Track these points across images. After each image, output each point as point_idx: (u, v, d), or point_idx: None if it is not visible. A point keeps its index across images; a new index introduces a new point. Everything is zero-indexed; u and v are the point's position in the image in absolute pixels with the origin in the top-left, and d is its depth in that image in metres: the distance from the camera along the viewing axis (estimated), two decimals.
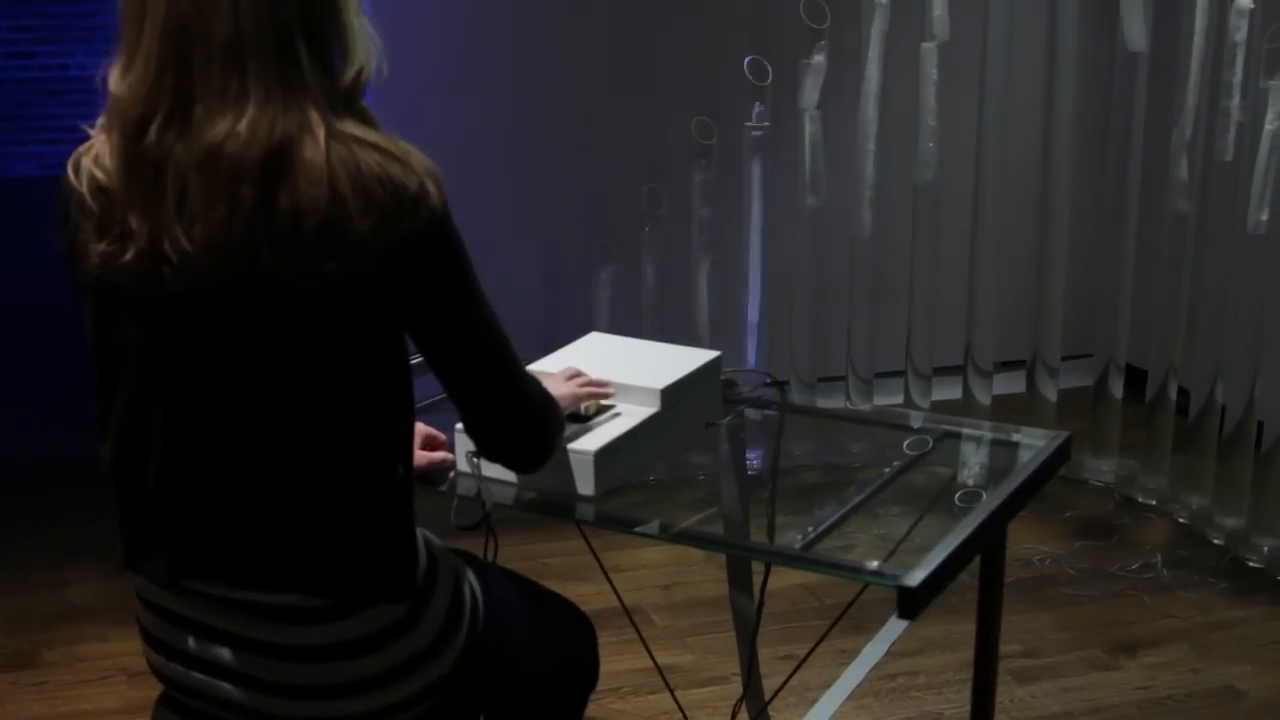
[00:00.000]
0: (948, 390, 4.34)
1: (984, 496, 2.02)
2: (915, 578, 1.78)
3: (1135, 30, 3.85)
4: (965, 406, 4.23)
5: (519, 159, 4.31)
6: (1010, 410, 4.21)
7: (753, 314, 4.14)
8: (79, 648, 3.29)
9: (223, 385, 1.62)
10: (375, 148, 1.59)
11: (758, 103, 4.03)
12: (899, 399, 4.30)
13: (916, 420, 2.40)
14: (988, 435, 2.33)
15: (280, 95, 1.56)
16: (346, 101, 1.62)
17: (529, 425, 1.76)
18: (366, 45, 1.63)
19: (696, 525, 2.30)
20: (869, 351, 4.22)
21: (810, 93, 4.04)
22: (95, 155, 1.63)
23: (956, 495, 2.16)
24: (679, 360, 2.24)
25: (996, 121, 4.08)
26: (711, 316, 4.12)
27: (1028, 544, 3.73)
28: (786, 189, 4.12)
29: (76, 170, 1.65)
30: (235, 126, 1.54)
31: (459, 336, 1.67)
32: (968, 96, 4.12)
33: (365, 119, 1.63)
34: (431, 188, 1.60)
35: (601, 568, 2.64)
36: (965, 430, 2.39)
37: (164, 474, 1.67)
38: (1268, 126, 3.55)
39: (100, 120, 1.65)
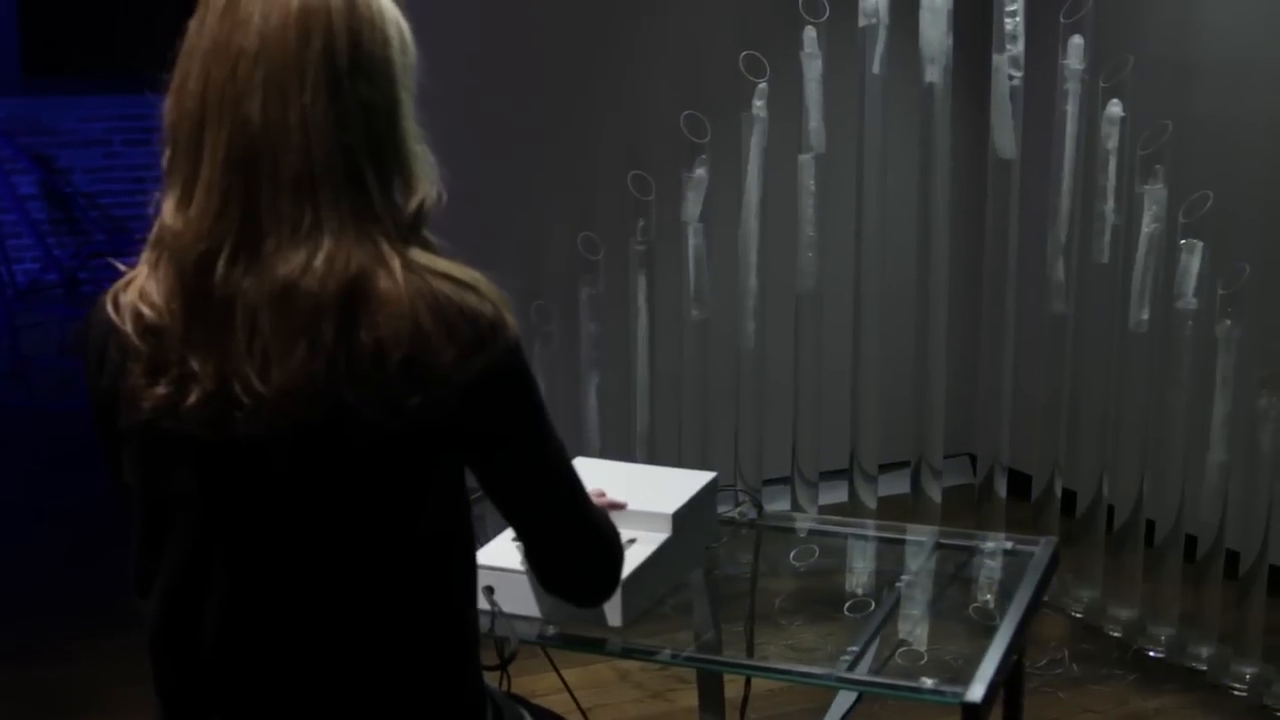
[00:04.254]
0: (833, 494, 4.37)
1: (873, 605, 2.04)
2: (977, 693, 1.77)
3: (1005, 139, 3.97)
4: (851, 509, 4.25)
5: None
6: (896, 511, 4.25)
7: (641, 425, 4.12)
8: None
9: (292, 534, 1.53)
10: (447, 277, 1.53)
11: (641, 217, 4.04)
12: (786, 505, 4.31)
13: (919, 534, 2.40)
14: (987, 545, 2.34)
15: (353, 226, 1.49)
16: (410, 231, 1.55)
17: (600, 560, 1.70)
18: (429, 173, 1.58)
19: (698, 648, 2.25)
20: (756, 459, 4.23)
21: (693, 206, 4.07)
22: (140, 292, 1.53)
23: (846, 605, 2.18)
24: (678, 483, 2.20)
25: (874, 229, 4.15)
26: (602, 430, 4.09)
27: (935, 646, 3.74)
28: (671, 301, 4.13)
29: (116, 308, 1.54)
30: (311, 261, 1.46)
31: (534, 469, 1.61)
32: (845, 206, 4.19)
33: (429, 248, 1.57)
34: (508, 316, 1.55)
35: (572, 695, 2.57)
36: (959, 542, 2.40)
37: (223, 631, 1.56)
38: (1145, 229, 3.69)
39: (145, 255, 1.55)
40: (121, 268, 1.61)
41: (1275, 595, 3.53)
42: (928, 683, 1.82)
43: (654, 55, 4.48)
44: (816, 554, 2.32)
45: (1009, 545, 2.30)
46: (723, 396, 4.23)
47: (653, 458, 4.08)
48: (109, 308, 1.56)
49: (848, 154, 4.15)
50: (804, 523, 2.59)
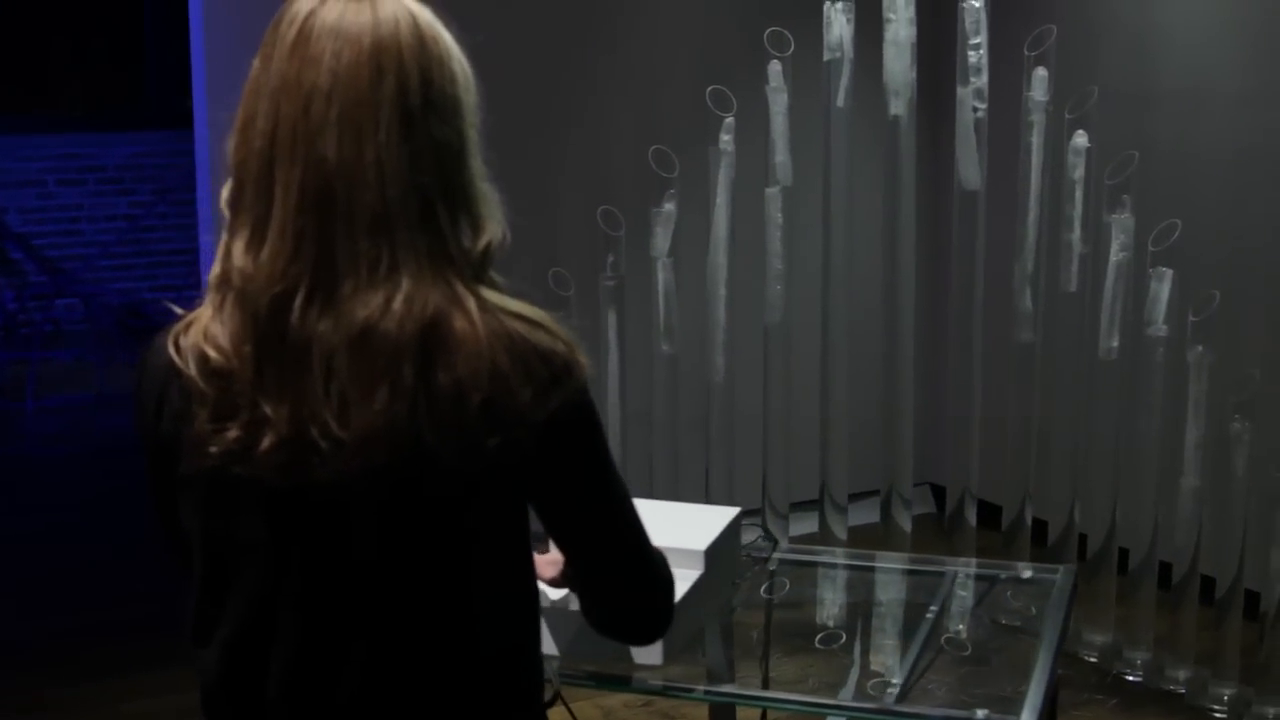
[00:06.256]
0: (803, 525, 4.38)
1: (844, 636, 2.05)
2: None
3: (969, 170, 4.01)
4: (822, 540, 4.27)
5: None
6: (866, 541, 4.26)
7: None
8: None
9: (366, 580, 1.50)
10: (520, 317, 1.52)
11: (610, 253, 4.04)
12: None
13: (939, 565, 2.41)
14: (1005, 575, 2.36)
15: (429, 267, 1.47)
16: (479, 271, 1.54)
17: (660, 600, 1.68)
18: (495, 213, 1.57)
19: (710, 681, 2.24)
20: (727, 492, 4.23)
21: (661, 240, 4.08)
22: (205, 333, 1.50)
23: (817, 638, 2.19)
24: (704, 518, 2.20)
25: (841, 261, 4.18)
26: None
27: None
28: (642, 336, 4.13)
29: (178, 350, 1.51)
30: (390, 303, 1.44)
31: (603, 507, 1.59)
32: (812, 239, 4.22)
33: (495, 287, 1.56)
34: (579, 355, 1.54)
35: None
36: (974, 570, 2.41)
37: (291, 680, 1.52)
38: (1113, 258, 3.75)
39: (208, 296, 1.52)
40: (178, 310, 1.57)
41: (1251, 618, 3.57)
42: (980, 714, 1.83)
43: (621, 90, 4.50)
44: (838, 587, 2.33)
45: (1027, 574, 2.32)
46: (693, 430, 4.24)
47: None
48: (170, 350, 1.52)
49: (814, 187, 4.19)
50: (819, 555, 2.59)
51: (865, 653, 2.18)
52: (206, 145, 4.00)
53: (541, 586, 1.90)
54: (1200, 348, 3.58)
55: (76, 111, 7.26)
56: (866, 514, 4.50)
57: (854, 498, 4.47)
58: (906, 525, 4.28)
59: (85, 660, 3.94)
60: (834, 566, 2.45)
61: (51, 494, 5.45)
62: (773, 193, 4.12)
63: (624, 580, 1.65)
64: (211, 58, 3.99)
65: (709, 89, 4.02)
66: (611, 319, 4.08)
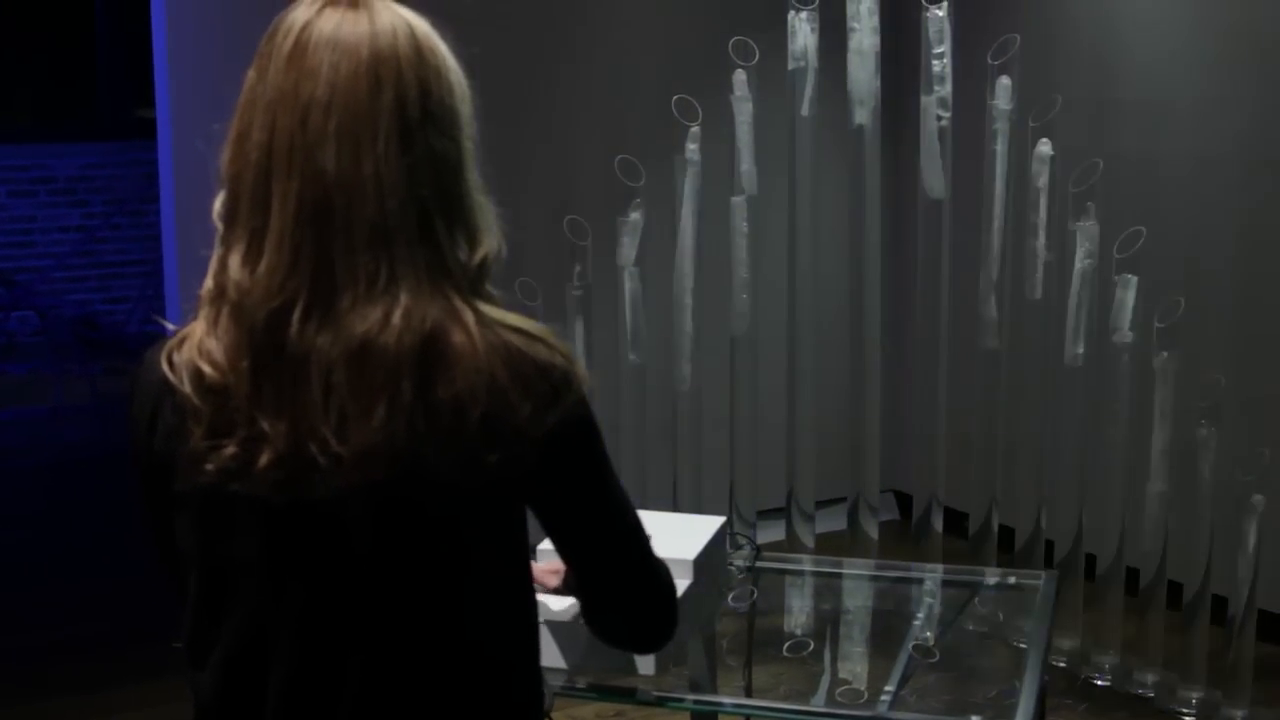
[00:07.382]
0: (770, 533, 4.39)
1: (825, 644, 2.06)
2: None
3: (934, 179, 4.03)
4: (789, 547, 4.27)
5: None
6: (833, 548, 4.28)
7: None
8: None
9: (365, 598, 1.48)
10: (518, 330, 1.51)
11: (577, 262, 4.03)
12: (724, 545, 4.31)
13: (922, 572, 2.41)
14: (988, 580, 2.36)
15: (427, 281, 1.46)
16: (476, 284, 1.53)
17: (665, 608, 1.67)
18: (491, 225, 1.56)
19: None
20: (695, 501, 4.23)
21: (628, 250, 4.08)
22: (200, 348, 1.48)
23: (785, 645, 2.19)
24: (690, 528, 2.19)
25: (807, 270, 4.19)
26: None
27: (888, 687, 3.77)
28: (609, 345, 4.13)
29: (171, 366, 1.49)
30: (389, 317, 1.42)
31: (605, 518, 1.59)
32: (778, 247, 4.23)
33: (492, 301, 1.55)
34: (578, 368, 1.53)
35: None
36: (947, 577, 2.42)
37: (289, 699, 1.50)
38: (1077, 265, 3.77)
39: (204, 311, 1.50)
40: (170, 326, 1.55)
41: (1218, 623, 3.60)
42: (974, 719, 1.83)
43: (586, 100, 4.50)
44: (821, 594, 2.33)
45: (1011, 580, 2.33)
46: (660, 438, 4.24)
47: None
48: (164, 366, 1.50)
49: (779, 196, 4.19)
50: (794, 564, 2.59)
51: (850, 661, 2.17)
52: (170, 153, 3.96)
53: (542, 598, 1.90)
54: (1165, 354, 3.61)
55: (25, 122, 7.19)
56: (833, 521, 4.52)
57: (820, 505, 4.48)
58: (873, 532, 4.29)
59: (48, 677, 3.89)
60: (810, 575, 2.45)
61: (8, 508, 5.39)
62: (738, 201, 4.12)
63: (628, 588, 1.64)
64: (174, 66, 3.95)
65: (674, 98, 4.02)
66: (578, 328, 4.07)
